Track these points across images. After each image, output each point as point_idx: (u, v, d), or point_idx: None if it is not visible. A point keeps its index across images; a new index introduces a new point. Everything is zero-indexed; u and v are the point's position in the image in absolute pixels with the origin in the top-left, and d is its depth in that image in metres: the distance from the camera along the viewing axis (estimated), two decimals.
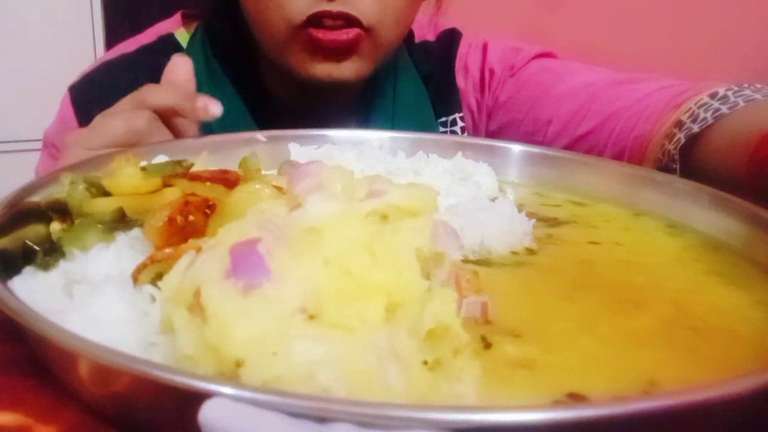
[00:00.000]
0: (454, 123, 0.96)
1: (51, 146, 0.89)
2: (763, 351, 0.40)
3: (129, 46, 0.94)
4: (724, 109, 0.72)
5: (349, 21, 0.77)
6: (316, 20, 0.76)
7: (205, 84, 0.87)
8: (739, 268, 0.51)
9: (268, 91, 0.91)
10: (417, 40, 0.99)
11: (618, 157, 0.83)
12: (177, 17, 0.97)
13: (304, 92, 0.87)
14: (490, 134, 0.95)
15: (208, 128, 0.83)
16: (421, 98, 0.95)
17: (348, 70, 0.81)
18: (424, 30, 1.00)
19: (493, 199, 0.60)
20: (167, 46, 0.92)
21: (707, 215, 0.56)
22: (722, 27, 1.78)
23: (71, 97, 0.89)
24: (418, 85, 0.96)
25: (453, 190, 0.60)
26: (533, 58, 0.93)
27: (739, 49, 1.74)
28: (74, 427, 0.34)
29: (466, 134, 0.96)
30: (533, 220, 0.55)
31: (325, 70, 0.80)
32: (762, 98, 0.72)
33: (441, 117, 0.96)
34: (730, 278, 0.49)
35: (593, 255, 0.52)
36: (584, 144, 0.86)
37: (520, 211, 0.55)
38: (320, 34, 0.77)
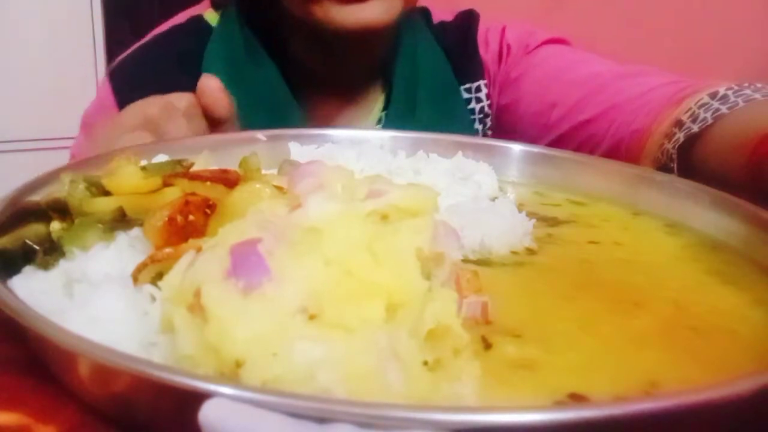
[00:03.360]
0: (478, 90, 0.98)
1: (88, 126, 0.92)
2: (763, 351, 0.40)
3: (162, 28, 0.98)
4: (724, 109, 0.73)
5: None
6: None
7: (241, 57, 0.90)
8: (739, 267, 0.51)
9: (296, 59, 0.92)
10: (435, 21, 1.02)
11: (616, 147, 0.84)
12: (206, 2, 1.01)
13: (328, 56, 0.89)
14: (500, 108, 0.98)
15: (254, 97, 0.86)
16: (442, 64, 0.97)
17: (375, 11, 0.81)
18: (441, 13, 1.03)
19: (493, 199, 0.60)
20: (196, 25, 0.96)
21: (707, 215, 0.56)
22: (724, 26, 1.78)
23: (110, 81, 0.92)
24: (438, 53, 0.98)
25: (453, 190, 0.60)
26: (546, 42, 0.96)
27: (740, 49, 1.74)
28: (74, 427, 0.34)
29: (489, 102, 0.98)
30: (533, 220, 0.55)
31: (352, 15, 0.80)
32: (761, 98, 0.73)
33: (465, 84, 0.98)
34: (730, 278, 0.49)
35: (593, 255, 0.52)
36: (585, 131, 0.88)
37: (520, 210, 0.55)
38: None
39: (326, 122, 0.95)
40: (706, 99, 0.76)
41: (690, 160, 0.74)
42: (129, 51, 0.96)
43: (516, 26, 1.00)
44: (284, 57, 0.93)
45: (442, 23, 1.02)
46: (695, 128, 0.74)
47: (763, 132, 0.63)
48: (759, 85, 0.76)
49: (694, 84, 0.81)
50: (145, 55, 0.94)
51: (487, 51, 0.99)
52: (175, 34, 0.96)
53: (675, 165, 0.75)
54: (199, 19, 0.97)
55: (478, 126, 0.99)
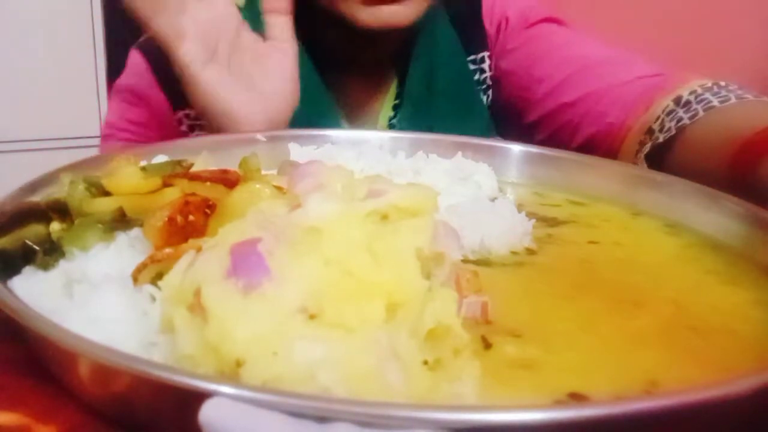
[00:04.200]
0: (482, 61, 0.98)
1: (124, 91, 0.92)
2: (763, 350, 0.40)
3: None
4: (686, 119, 0.76)
5: None
6: None
7: None
8: (739, 267, 0.51)
9: (320, 38, 0.91)
10: None
11: (592, 138, 0.87)
12: None
13: (350, 43, 0.88)
14: (493, 80, 0.99)
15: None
16: (454, 38, 0.97)
17: (402, 13, 0.79)
18: None
19: (492, 199, 0.60)
20: None
21: (706, 215, 0.56)
22: (726, 26, 1.78)
23: (142, 52, 0.92)
24: (450, 27, 0.97)
25: (453, 190, 0.60)
26: (544, 19, 0.97)
27: (740, 49, 1.74)
28: (74, 427, 0.34)
29: (491, 73, 0.99)
30: (533, 220, 0.55)
31: (376, 16, 0.79)
32: (719, 104, 0.75)
33: (470, 55, 0.98)
34: (730, 277, 0.49)
35: (593, 255, 0.52)
36: (564, 116, 0.90)
37: (519, 211, 0.55)
38: None
39: (346, 100, 0.95)
40: (672, 106, 0.79)
41: (663, 167, 0.76)
42: None
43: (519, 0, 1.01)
44: (309, 37, 0.91)
45: None
46: (661, 138, 0.77)
47: (742, 138, 0.64)
48: (723, 84, 0.79)
49: (670, 79, 0.83)
50: None
51: (491, 23, 0.99)
52: None
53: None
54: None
55: (482, 97, 0.99)
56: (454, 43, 0.97)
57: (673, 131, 0.76)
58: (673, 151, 0.76)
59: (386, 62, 0.96)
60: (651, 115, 0.81)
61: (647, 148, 0.79)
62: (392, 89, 0.97)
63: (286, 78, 0.73)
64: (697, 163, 0.73)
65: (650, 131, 0.80)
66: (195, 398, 0.28)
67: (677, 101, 0.79)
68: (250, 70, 0.72)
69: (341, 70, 0.93)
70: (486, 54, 0.98)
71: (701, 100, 0.77)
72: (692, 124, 0.75)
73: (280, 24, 0.73)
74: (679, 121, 0.76)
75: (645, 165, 0.79)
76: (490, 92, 1.00)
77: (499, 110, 0.99)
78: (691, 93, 0.78)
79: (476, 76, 0.99)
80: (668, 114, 0.79)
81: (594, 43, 0.94)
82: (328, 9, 0.83)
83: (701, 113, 0.75)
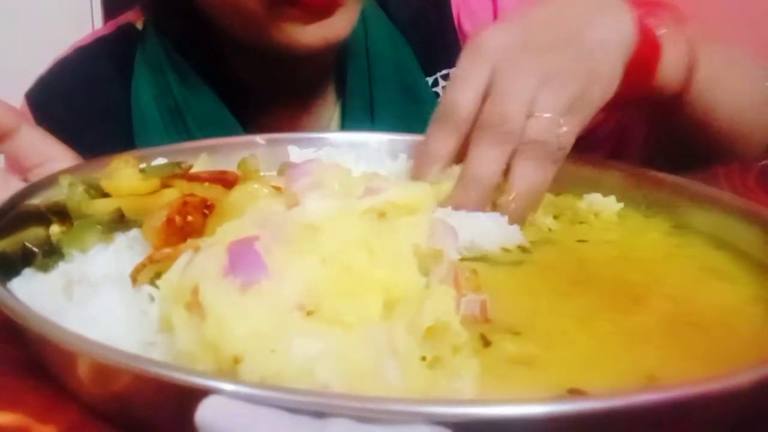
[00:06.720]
0: None
1: None
2: (762, 346, 0.40)
3: (85, 39, 0.89)
4: None
5: None
6: None
7: (174, 86, 0.82)
8: (738, 264, 0.50)
9: (237, 78, 0.84)
10: None
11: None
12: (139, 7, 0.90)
13: (274, 71, 0.81)
14: None
15: (187, 134, 0.80)
16: (400, 53, 0.86)
17: (340, 24, 0.73)
18: None
19: None
20: (126, 35, 0.86)
21: (705, 211, 0.56)
22: (725, 23, 1.78)
23: (28, 104, 0.84)
24: (395, 37, 0.86)
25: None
26: None
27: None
28: (74, 427, 0.34)
29: None
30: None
31: (317, 34, 0.72)
32: None
33: (442, 69, 0.85)
34: (729, 274, 0.49)
35: (591, 252, 0.52)
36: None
37: None
38: None
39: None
40: None
41: None
42: (47, 69, 0.88)
43: None
44: (221, 76, 0.83)
45: None
46: None
47: None
48: None
49: None
50: (66, 70, 0.86)
51: (475, 22, 0.84)
52: (101, 44, 0.86)
53: None
54: (129, 28, 0.87)
55: None
56: (398, 59, 0.85)
57: None
58: None
59: (318, 86, 0.86)
60: None
61: None
62: (334, 121, 0.87)
63: None
64: None
65: None
66: (193, 395, 0.28)
67: None
68: None
69: (266, 105, 0.84)
70: None
71: None
72: None
73: None
74: None
75: None
76: None
77: None
78: None
79: None
80: None
81: None
82: (257, 42, 0.74)
83: None
